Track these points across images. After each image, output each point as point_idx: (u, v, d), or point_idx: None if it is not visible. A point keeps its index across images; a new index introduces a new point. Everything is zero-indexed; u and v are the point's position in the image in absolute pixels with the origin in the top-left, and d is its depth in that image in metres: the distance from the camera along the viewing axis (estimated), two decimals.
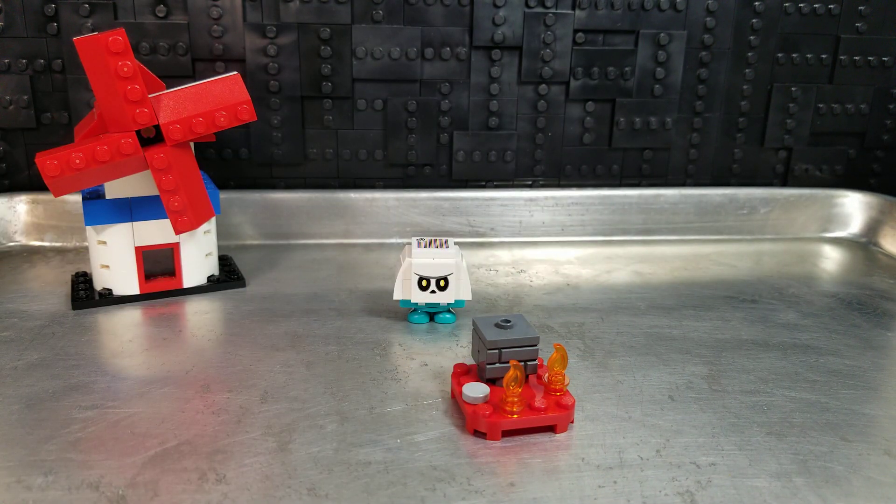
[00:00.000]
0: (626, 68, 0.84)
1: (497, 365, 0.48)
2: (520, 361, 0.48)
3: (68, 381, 0.52)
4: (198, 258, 0.68)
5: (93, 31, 0.77)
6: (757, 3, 0.85)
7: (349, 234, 0.83)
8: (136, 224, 0.64)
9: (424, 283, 0.60)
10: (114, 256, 0.65)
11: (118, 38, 0.55)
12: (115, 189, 0.64)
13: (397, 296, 0.61)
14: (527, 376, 0.49)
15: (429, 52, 0.81)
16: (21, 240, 0.79)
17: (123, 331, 0.60)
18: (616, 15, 0.83)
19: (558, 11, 0.82)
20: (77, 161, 0.57)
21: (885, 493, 0.42)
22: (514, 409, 0.46)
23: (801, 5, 0.85)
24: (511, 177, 0.87)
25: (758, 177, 0.91)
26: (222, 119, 0.60)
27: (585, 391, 0.52)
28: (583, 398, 0.51)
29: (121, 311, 0.64)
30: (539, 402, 0.46)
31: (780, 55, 0.87)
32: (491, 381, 0.49)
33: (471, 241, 0.84)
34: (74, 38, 0.56)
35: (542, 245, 0.83)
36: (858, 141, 0.92)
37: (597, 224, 0.86)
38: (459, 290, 0.61)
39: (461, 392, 0.47)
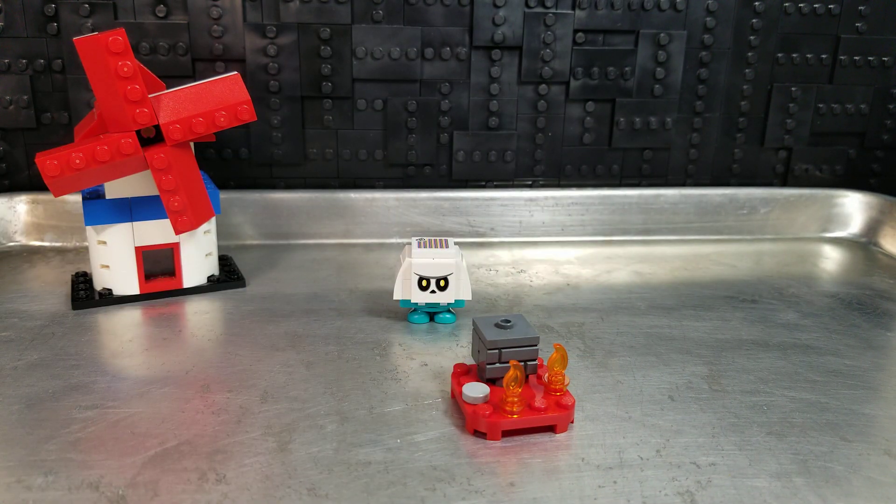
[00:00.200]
0: (626, 68, 0.84)
1: (497, 365, 0.48)
2: (520, 361, 0.48)
3: (68, 381, 0.52)
4: (198, 258, 0.68)
5: (93, 31, 0.77)
6: (757, 3, 0.85)
7: (349, 234, 0.83)
8: (136, 224, 0.64)
9: (424, 283, 0.60)
10: (114, 256, 0.65)
11: (118, 38, 0.55)
12: (115, 189, 0.64)
13: (397, 296, 0.61)
14: (527, 376, 0.49)
15: (429, 52, 0.81)
16: (21, 240, 0.79)
17: (123, 331, 0.60)
18: (616, 15, 0.83)
19: (558, 11, 0.82)
20: (77, 161, 0.57)
21: (885, 493, 0.42)
22: (514, 409, 0.46)
23: (801, 5, 0.85)
24: (511, 177, 0.87)
25: (758, 177, 0.91)
26: (222, 119, 0.60)
27: (585, 391, 0.52)
28: (583, 398, 0.51)
29: (121, 311, 0.64)
30: (539, 402, 0.46)
31: (780, 55, 0.87)
32: (491, 381, 0.49)
33: (471, 241, 0.84)
34: (74, 38, 0.56)
35: (542, 245, 0.83)
36: (858, 141, 0.92)
37: (597, 224, 0.86)
38: (459, 290, 0.61)
39: (461, 392, 0.47)
